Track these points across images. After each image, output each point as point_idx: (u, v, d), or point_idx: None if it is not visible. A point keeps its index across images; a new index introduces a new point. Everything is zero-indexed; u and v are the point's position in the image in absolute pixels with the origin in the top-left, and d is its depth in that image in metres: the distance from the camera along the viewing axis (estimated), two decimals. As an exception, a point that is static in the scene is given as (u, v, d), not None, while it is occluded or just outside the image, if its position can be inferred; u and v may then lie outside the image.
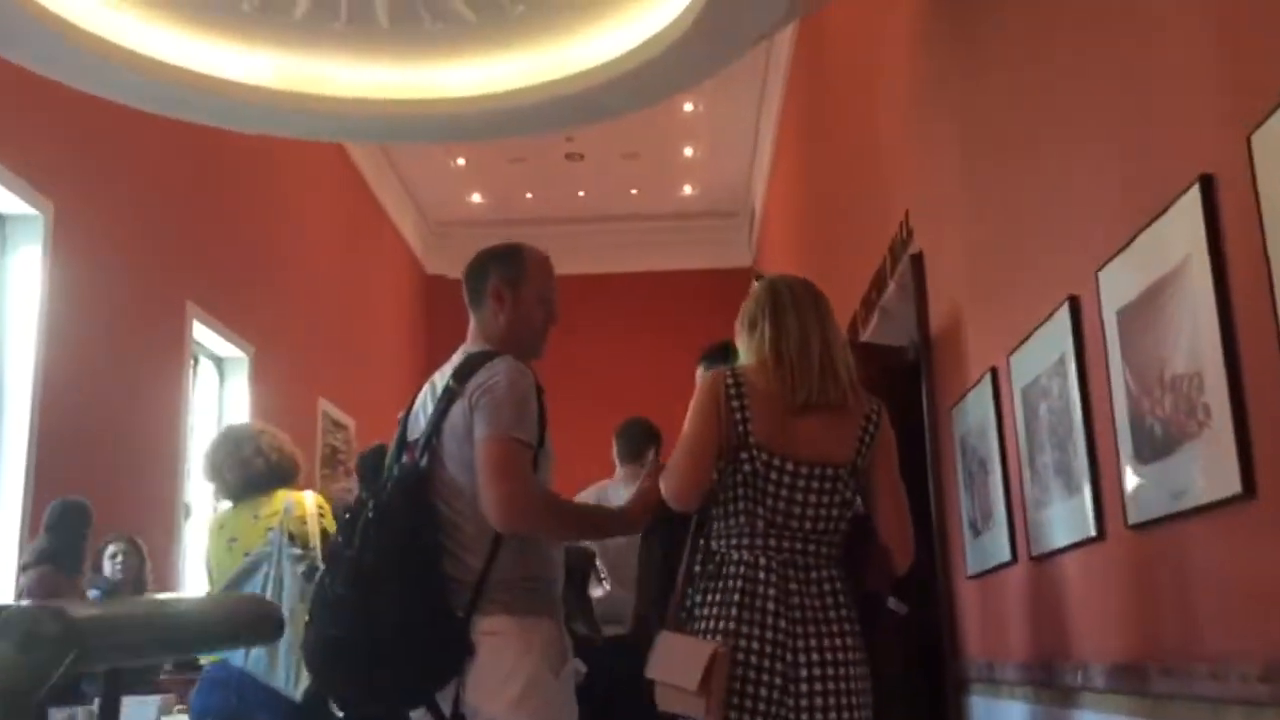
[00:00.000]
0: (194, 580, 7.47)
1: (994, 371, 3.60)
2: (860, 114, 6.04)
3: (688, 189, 12.95)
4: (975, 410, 3.81)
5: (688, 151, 12.03)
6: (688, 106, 10.70)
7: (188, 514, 7.60)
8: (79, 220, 5.97)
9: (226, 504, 3.76)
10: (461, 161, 11.93)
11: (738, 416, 2.58)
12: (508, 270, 2.63)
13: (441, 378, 2.59)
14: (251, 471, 3.64)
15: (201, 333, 7.63)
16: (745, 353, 2.72)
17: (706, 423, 2.59)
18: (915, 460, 4.39)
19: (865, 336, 5.83)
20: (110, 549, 5.08)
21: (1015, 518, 3.44)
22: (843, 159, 6.79)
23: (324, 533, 3.66)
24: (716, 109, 10.81)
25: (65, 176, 5.91)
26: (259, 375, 8.40)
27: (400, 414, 2.68)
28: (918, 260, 4.59)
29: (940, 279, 4.38)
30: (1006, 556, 3.50)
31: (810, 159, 8.55)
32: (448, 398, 2.48)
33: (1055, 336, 2.97)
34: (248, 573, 3.52)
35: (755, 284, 2.78)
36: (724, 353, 4.08)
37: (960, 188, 4.02)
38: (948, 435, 4.22)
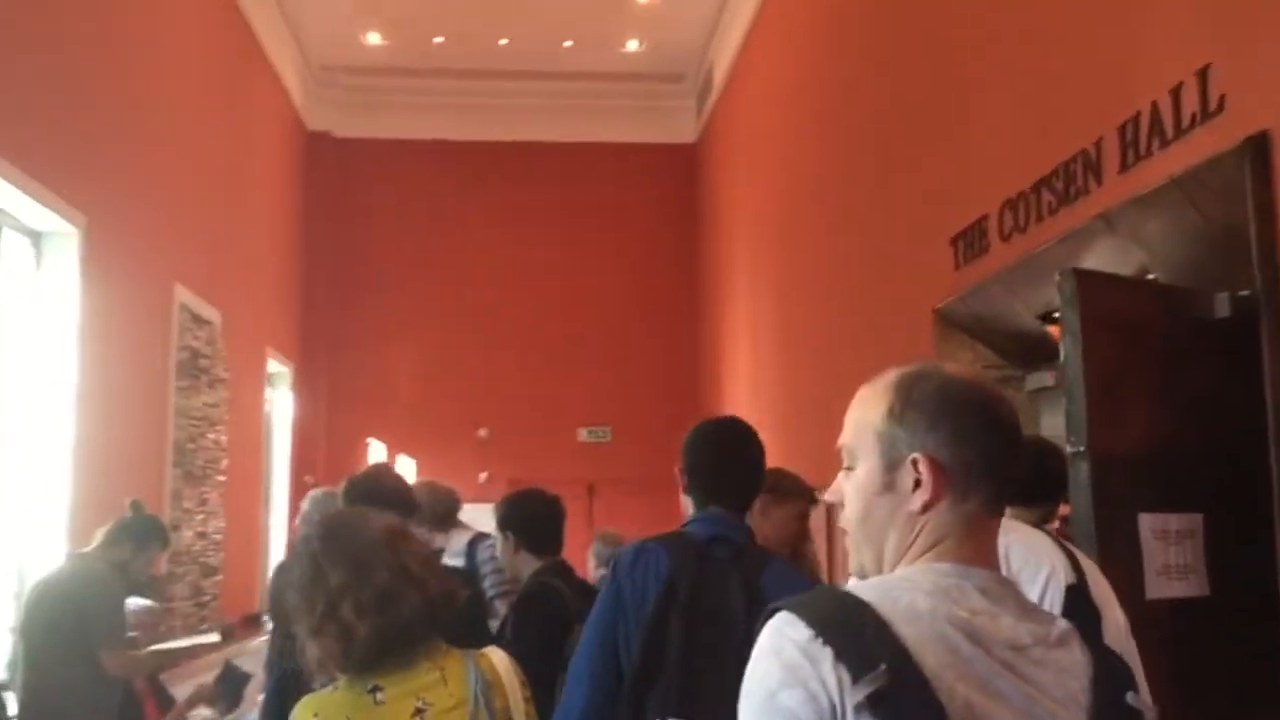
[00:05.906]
0: None
1: None
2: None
3: (633, 44, 10.76)
4: None
5: (641, -4, 9.89)
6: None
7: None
8: None
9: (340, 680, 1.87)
10: (358, -10, 9.56)
11: None
12: None
13: None
14: (398, 619, 1.83)
15: (10, 197, 5.32)
16: None
17: None
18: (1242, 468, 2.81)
19: (995, 268, 4.00)
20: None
21: None
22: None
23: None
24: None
25: None
26: (94, 255, 6.11)
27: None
28: (1259, 148, 2.71)
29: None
30: None
31: None
32: None
33: None
34: None
35: None
36: None
37: None
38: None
